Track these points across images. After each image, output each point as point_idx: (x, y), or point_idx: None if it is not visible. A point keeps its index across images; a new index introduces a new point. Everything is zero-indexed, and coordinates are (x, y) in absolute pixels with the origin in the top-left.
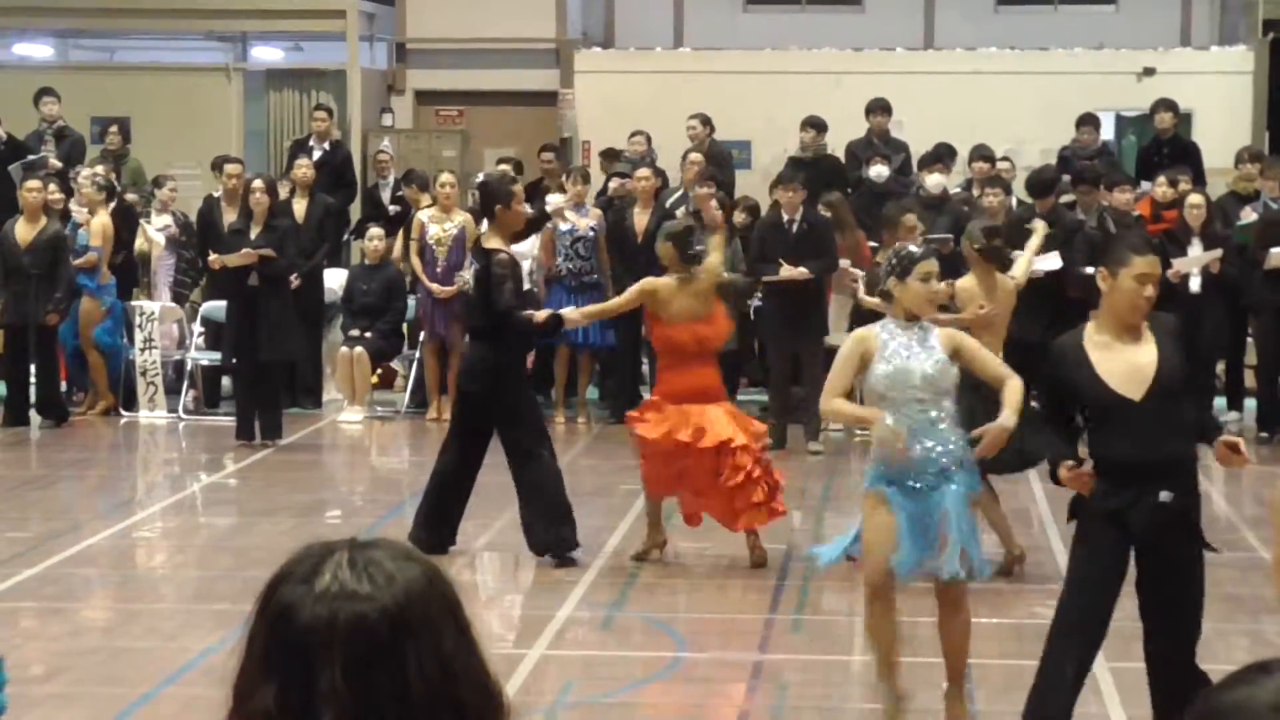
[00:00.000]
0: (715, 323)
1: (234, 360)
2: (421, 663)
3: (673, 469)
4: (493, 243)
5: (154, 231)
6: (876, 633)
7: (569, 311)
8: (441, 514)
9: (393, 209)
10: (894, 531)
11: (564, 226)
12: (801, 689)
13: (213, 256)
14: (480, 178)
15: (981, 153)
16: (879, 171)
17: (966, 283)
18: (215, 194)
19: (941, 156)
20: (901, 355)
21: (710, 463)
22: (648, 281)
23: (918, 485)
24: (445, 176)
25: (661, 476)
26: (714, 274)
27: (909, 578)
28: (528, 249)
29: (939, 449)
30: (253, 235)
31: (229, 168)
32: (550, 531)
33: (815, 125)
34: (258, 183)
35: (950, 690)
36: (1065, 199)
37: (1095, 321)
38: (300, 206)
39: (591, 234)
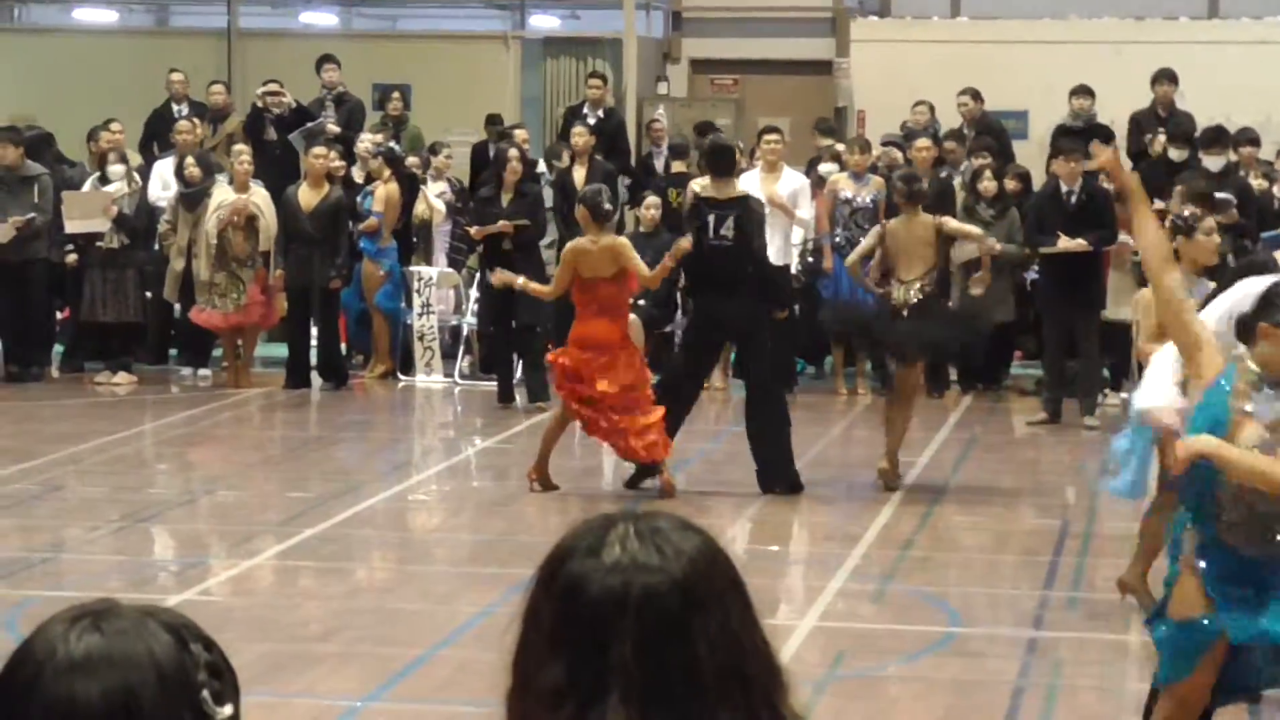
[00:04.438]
0: (621, 281)
1: (491, 326)
2: (710, 636)
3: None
4: (732, 191)
5: (434, 198)
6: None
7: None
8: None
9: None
10: None
11: (844, 195)
12: (1076, 668)
13: (474, 229)
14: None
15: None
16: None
17: (894, 224)
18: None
19: (1220, 138)
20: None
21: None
22: (568, 246)
23: None
24: None
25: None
26: (621, 244)
27: None
28: (807, 216)
29: None
30: (503, 203)
31: (518, 134)
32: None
33: (1086, 93)
34: (514, 151)
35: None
36: None
37: None
38: (580, 173)
39: (871, 204)
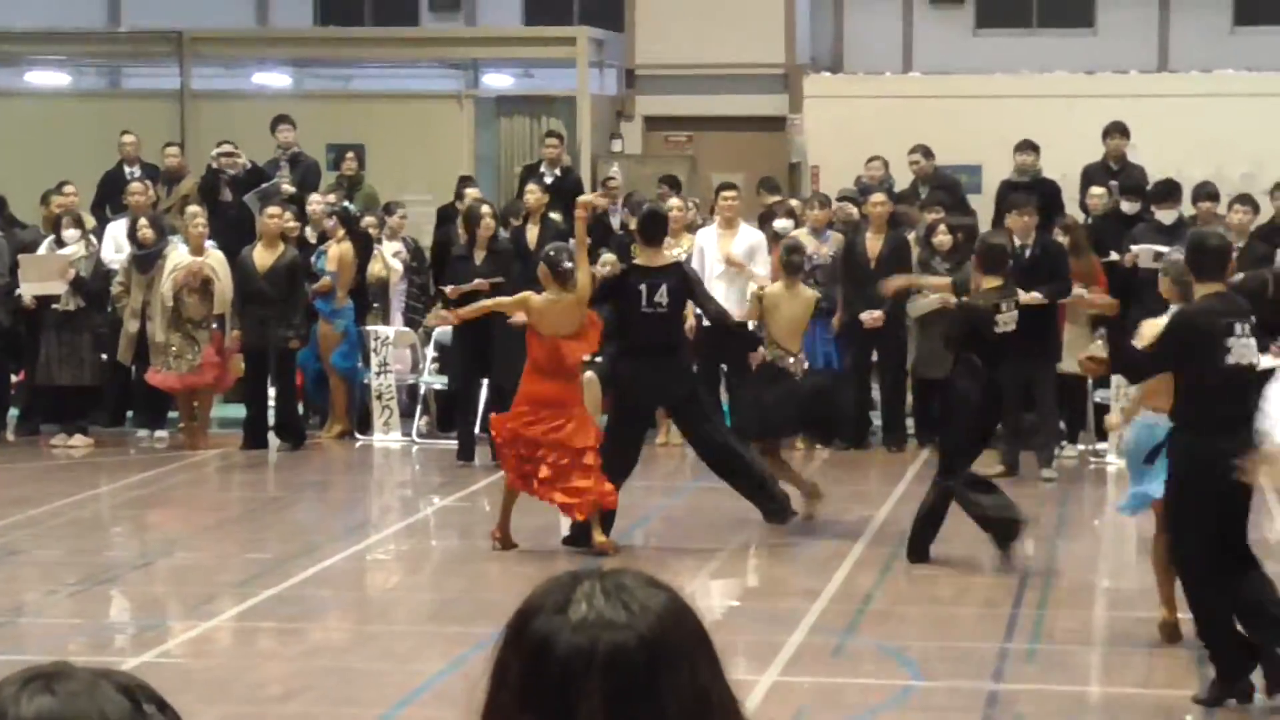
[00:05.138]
0: (581, 339)
1: (460, 383)
2: (678, 692)
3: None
4: (663, 260)
5: (390, 258)
6: None
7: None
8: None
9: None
10: None
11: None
12: None
13: (450, 288)
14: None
15: (1207, 190)
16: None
17: (773, 290)
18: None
19: (1172, 192)
20: None
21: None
22: (528, 295)
23: None
24: (674, 201)
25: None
26: (583, 294)
27: None
28: (764, 273)
29: None
30: (477, 261)
31: (470, 192)
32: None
33: (1030, 149)
34: (486, 209)
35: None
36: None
37: None
38: (532, 232)
39: (831, 260)
